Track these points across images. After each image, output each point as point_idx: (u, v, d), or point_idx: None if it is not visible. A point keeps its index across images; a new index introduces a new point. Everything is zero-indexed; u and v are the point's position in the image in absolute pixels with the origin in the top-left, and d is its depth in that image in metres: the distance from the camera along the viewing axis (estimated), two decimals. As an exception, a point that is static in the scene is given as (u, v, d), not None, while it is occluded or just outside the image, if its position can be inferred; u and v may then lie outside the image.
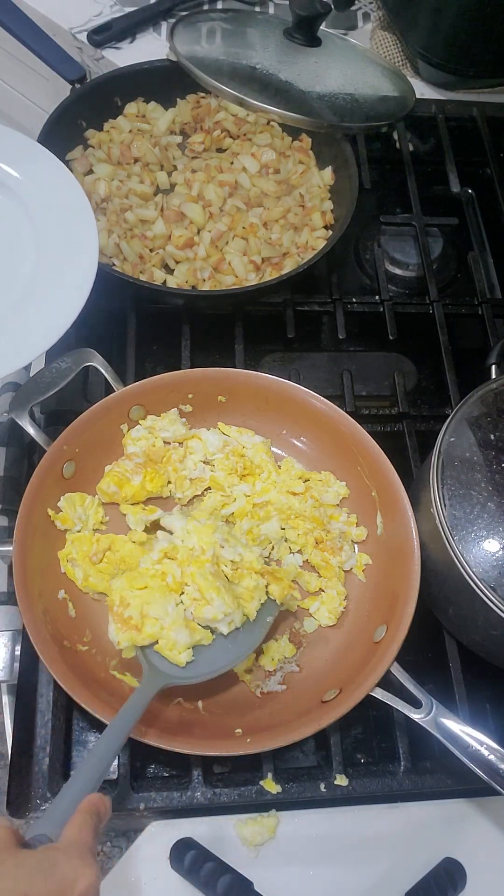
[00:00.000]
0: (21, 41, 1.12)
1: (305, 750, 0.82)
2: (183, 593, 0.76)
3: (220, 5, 1.34)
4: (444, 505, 0.74)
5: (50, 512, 0.83)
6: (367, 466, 0.87)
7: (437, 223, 1.15)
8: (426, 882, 0.73)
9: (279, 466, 0.91)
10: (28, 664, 0.79)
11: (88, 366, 0.87)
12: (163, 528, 0.84)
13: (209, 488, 0.90)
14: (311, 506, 0.87)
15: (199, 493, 0.90)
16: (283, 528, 0.87)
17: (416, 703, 0.73)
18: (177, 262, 1.04)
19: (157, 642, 0.74)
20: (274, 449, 0.93)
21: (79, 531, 0.84)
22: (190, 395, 0.91)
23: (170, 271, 1.04)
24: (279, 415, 0.92)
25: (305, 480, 0.90)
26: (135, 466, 0.87)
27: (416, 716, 0.72)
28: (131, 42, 1.28)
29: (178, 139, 1.15)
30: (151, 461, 0.88)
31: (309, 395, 0.90)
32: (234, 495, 0.89)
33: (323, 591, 0.85)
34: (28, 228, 0.89)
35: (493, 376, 0.86)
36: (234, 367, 0.94)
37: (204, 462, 0.91)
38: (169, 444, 0.91)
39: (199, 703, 0.78)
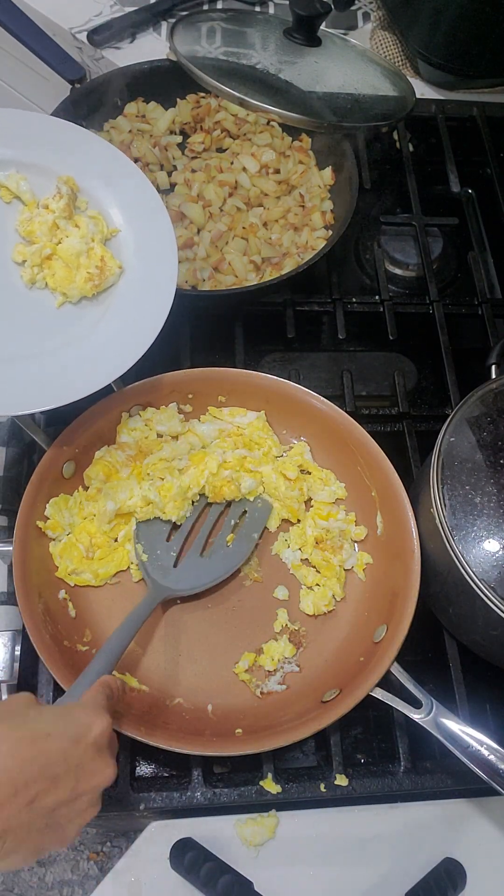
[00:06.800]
0: (21, 41, 1.11)
1: (305, 750, 0.82)
2: None
3: (220, 5, 1.34)
4: (444, 505, 0.74)
5: (39, 523, 0.82)
6: (367, 466, 0.87)
7: (437, 223, 1.15)
8: (426, 882, 0.73)
9: (290, 448, 0.92)
10: (28, 664, 0.79)
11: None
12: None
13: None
14: (298, 497, 0.88)
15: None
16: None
17: (416, 703, 0.73)
18: (177, 262, 1.04)
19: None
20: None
21: (67, 536, 0.84)
22: (190, 395, 0.91)
23: (170, 271, 1.04)
24: (279, 415, 0.92)
25: (308, 473, 0.90)
26: (126, 458, 0.87)
27: (416, 716, 0.72)
28: (131, 42, 1.28)
29: (178, 139, 1.15)
30: (142, 453, 0.88)
31: (309, 395, 0.90)
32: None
33: (318, 585, 0.85)
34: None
35: (493, 376, 0.86)
36: (234, 367, 0.94)
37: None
38: (161, 436, 0.90)
39: (200, 704, 0.78)
